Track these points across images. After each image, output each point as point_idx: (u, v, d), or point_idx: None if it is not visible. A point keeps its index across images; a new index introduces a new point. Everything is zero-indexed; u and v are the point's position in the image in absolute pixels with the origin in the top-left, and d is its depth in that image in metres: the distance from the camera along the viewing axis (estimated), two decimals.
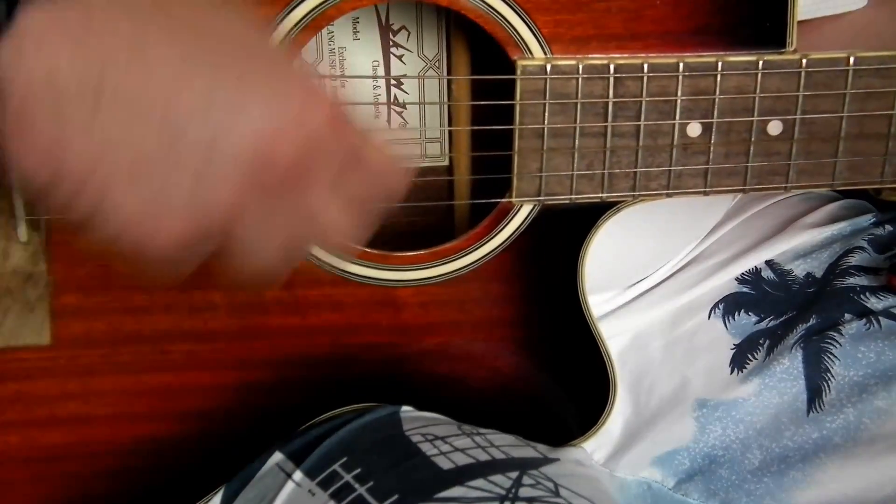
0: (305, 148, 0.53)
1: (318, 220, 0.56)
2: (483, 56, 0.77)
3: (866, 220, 0.93)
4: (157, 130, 0.50)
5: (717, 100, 0.71)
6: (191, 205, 0.52)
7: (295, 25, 0.68)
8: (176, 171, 0.51)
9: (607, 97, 0.70)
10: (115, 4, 0.51)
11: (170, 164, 0.51)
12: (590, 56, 0.70)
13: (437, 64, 0.80)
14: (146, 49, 0.50)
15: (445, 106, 0.80)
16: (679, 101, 0.71)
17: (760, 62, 0.70)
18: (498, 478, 0.69)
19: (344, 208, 0.57)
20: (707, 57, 0.71)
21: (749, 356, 0.86)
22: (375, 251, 0.74)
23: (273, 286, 0.60)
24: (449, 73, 0.80)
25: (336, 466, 0.71)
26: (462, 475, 0.69)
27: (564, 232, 0.75)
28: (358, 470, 0.70)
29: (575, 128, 0.71)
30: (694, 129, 0.72)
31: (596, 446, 0.85)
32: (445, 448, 0.72)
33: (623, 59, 0.70)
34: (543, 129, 0.71)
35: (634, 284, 0.93)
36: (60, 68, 0.49)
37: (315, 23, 0.68)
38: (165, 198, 0.51)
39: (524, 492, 0.68)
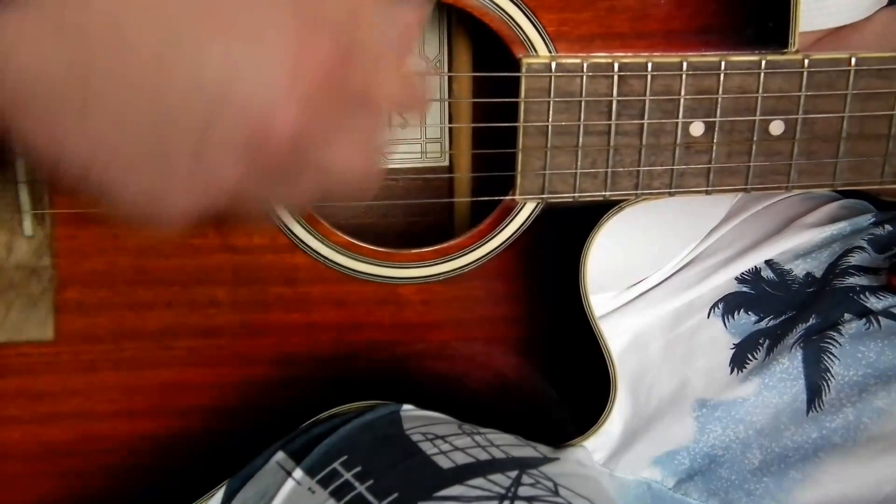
0: (305, 108, 0.51)
1: (331, 171, 0.55)
2: (484, 57, 0.77)
3: (866, 219, 0.93)
4: (150, 111, 0.49)
5: (719, 99, 0.71)
6: (194, 183, 0.51)
7: None
8: (173, 154, 0.50)
9: (611, 96, 0.70)
10: None
11: (166, 147, 0.50)
12: (594, 54, 0.71)
13: (438, 63, 0.80)
14: (123, 27, 0.49)
15: (446, 104, 0.80)
16: (682, 101, 0.71)
17: (763, 62, 0.71)
18: (497, 477, 0.69)
19: (358, 151, 0.55)
20: (710, 56, 0.71)
21: (749, 356, 0.86)
22: (379, 248, 0.74)
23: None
24: (450, 72, 0.80)
25: (336, 465, 0.71)
26: (462, 474, 0.69)
27: (566, 230, 0.75)
28: (358, 468, 0.70)
29: (579, 126, 0.71)
30: (697, 128, 0.72)
31: (596, 446, 0.85)
32: (445, 447, 0.72)
33: (627, 57, 0.70)
34: (548, 126, 0.71)
35: (635, 284, 0.93)
36: (46, 59, 0.48)
37: None
38: (168, 177, 0.51)
39: (524, 491, 0.68)
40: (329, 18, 0.51)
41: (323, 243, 0.73)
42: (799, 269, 0.91)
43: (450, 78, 0.80)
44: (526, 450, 0.76)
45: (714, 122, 0.72)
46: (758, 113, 0.72)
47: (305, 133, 0.51)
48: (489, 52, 0.73)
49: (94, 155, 0.50)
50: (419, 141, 0.82)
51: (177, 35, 0.49)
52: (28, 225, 0.70)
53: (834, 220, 0.94)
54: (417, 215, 0.83)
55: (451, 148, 0.82)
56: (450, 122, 0.81)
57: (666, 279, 0.94)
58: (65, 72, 0.48)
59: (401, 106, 0.57)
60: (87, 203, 0.53)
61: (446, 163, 0.83)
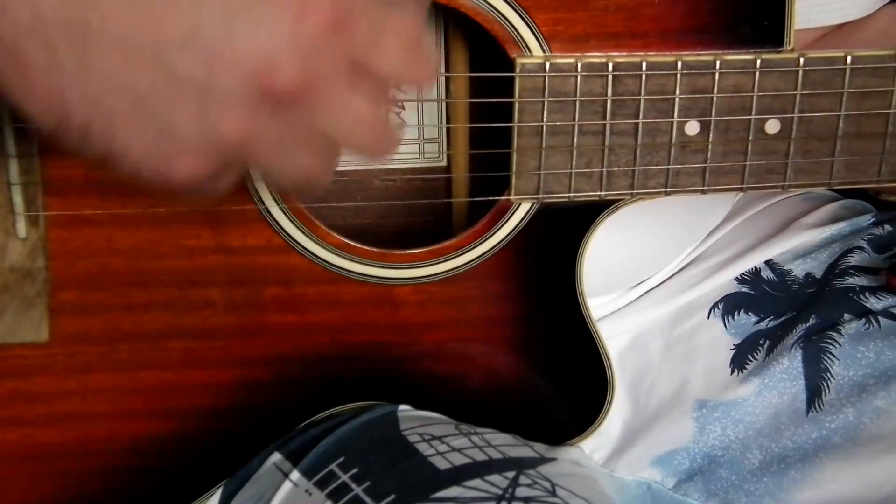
0: (306, 66, 0.50)
1: (339, 126, 0.54)
2: (481, 58, 0.77)
3: (865, 220, 0.93)
4: (150, 65, 0.49)
5: (715, 98, 0.71)
6: (199, 137, 0.50)
7: None
8: (177, 107, 0.49)
9: (606, 95, 0.70)
10: None
11: (169, 100, 0.49)
12: (589, 54, 0.70)
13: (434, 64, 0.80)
14: None
15: (443, 104, 0.80)
16: (677, 100, 0.71)
17: (758, 61, 0.71)
18: (495, 477, 0.69)
19: (365, 107, 0.54)
20: (705, 55, 0.71)
21: (749, 356, 0.86)
22: (374, 248, 0.74)
23: (322, 187, 0.57)
24: (447, 72, 0.80)
25: (333, 466, 0.71)
26: (459, 475, 0.69)
27: (562, 230, 0.75)
28: (355, 470, 0.70)
29: (574, 126, 0.71)
30: (692, 127, 0.72)
31: (595, 446, 0.85)
32: (442, 448, 0.72)
33: (622, 57, 0.70)
34: (542, 126, 0.71)
35: (636, 286, 0.93)
36: (43, 10, 0.47)
37: None
38: (172, 134, 0.50)
39: (521, 491, 0.68)
40: None
41: (318, 244, 0.73)
42: (799, 269, 0.91)
43: (447, 78, 0.80)
44: (523, 450, 0.76)
45: (709, 121, 0.72)
46: (753, 112, 0.72)
47: (309, 87, 0.51)
48: (487, 54, 0.72)
49: (96, 108, 0.49)
50: (417, 141, 0.82)
51: None
52: (22, 227, 0.70)
53: (834, 220, 0.93)
54: (416, 215, 0.83)
55: (448, 148, 0.82)
56: (447, 122, 0.81)
57: (666, 280, 0.93)
58: (62, 18, 0.47)
59: (401, 76, 0.55)
60: (90, 165, 0.51)
61: (444, 163, 0.83)
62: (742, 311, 0.89)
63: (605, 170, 0.72)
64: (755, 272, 0.91)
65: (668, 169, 0.73)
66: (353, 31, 0.52)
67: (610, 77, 0.70)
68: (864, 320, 0.83)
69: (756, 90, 0.71)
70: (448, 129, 0.81)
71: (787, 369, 0.83)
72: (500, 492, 0.68)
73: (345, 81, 0.52)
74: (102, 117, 0.49)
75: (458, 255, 0.75)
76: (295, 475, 0.72)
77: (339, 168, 0.81)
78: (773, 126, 0.72)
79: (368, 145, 0.56)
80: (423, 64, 0.56)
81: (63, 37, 0.48)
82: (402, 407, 0.77)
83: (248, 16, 0.49)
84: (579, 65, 0.70)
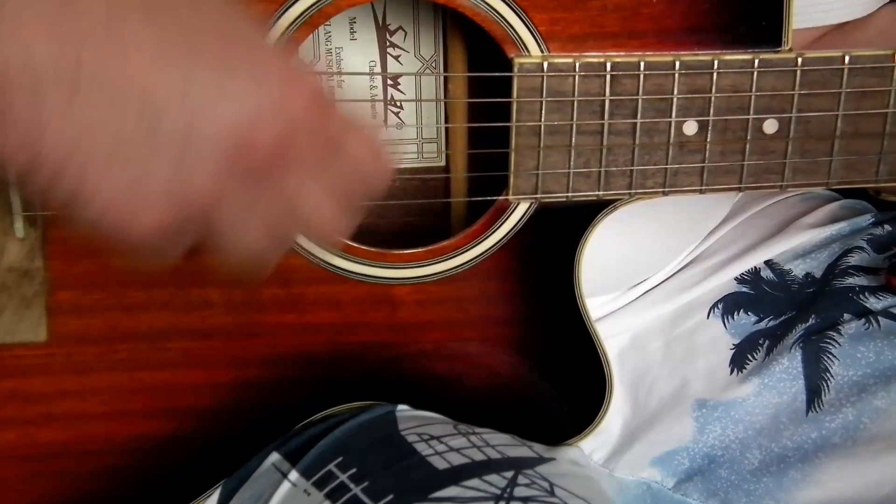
0: (285, 133, 0.52)
1: (299, 206, 0.55)
2: (480, 58, 0.77)
3: (865, 220, 0.93)
4: (134, 115, 0.49)
5: (713, 98, 0.71)
6: (169, 190, 0.51)
7: (292, 22, 0.68)
8: (154, 157, 0.50)
9: (604, 95, 0.70)
10: None
11: (147, 148, 0.50)
12: (586, 54, 0.70)
13: (433, 64, 0.80)
14: (124, 32, 0.49)
15: (442, 104, 0.80)
16: (675, 100, 0.71)
17: (756, 61, 0.70)
18: (493, 477, 0.69)
19: (326, 196, 0.56)
20: (703, 55, 0.71)
21: (749, 356, 0.86)
22: (372, 248, 0.74)
23: (263, 275, 0.59)
24: (446, 72, 0.80)
25: (331, 466, 0.71)
26: (457, 475, 0.69)
27: (561, 230, 0.75)
28: (353, 470, 0.70)
29: (572, 125, 0.71)
30: (690, 127, 0.72)
31: (595, 446, 0.85)
32: (441, 448, 0.72)
33: (620, 57, 0.70)
34: (540, 126, 0.71)
35: (636, 285, 0.93)
36: (37, 51, 0.48)
37: (312, 20, 0.68)
38: (144, 183, 0.51)
39: (519, 491, 0.68)
40: (313, 81, 0.55)
41: (316, 244, 0.73)
42: (798, 269, 0.91)
43: (445, 78, 0.80)
44: (522, 450, 0.76)
45: (707, 121, 0.72)
46: (751, 112, 0.72)
47: (283, 155, 0.53)
48: (486, 54, 0.72)
49: (73, 148, 0.49)
50: (415, 141, 0.82)
51: (172, 48, 0.50)
52: (20, 227, 0.70)
53: (833, 220, 0.93)
54: (414, 215, 0.83)
55: (447, 148, 0.82)
56: (446, 122, 0.81)
57: (666, 280, 0.93)
58: (55, 61, 0.48)
59: (365, 166, 0.58)
60: (56, 209, 0.52)
61: (443, 163, 0.83)
62: (742, 310, 0.89)
63: (603, 169, 0.72)
64: (755, 272, 0.91)
65: (666, 169, 0.73)
66: (330, 116, 0.55)
67: (608, 77, 0.70)
68: (863, 320, 0.83)
69: (754, 90, 0.71)
70: (446, 128, 0.81)
71: (787, 369, 0.83)
72: (498, 491, 0.68)
73: (315, 160, 0.55)
74: (78, 159, 0.50)
75: (457, 255, 0.75)
76: (293, 475, 0.72)
77: None
78: (771, 126, 0.72)
79: (319, 232, 0.59)
80: (385, 163, 0.59)
81: (53, 79, 0.48)
82: (401, 407, 0.77)
83: (239, 83, 0.51)
84: (577, 65, 0.70)
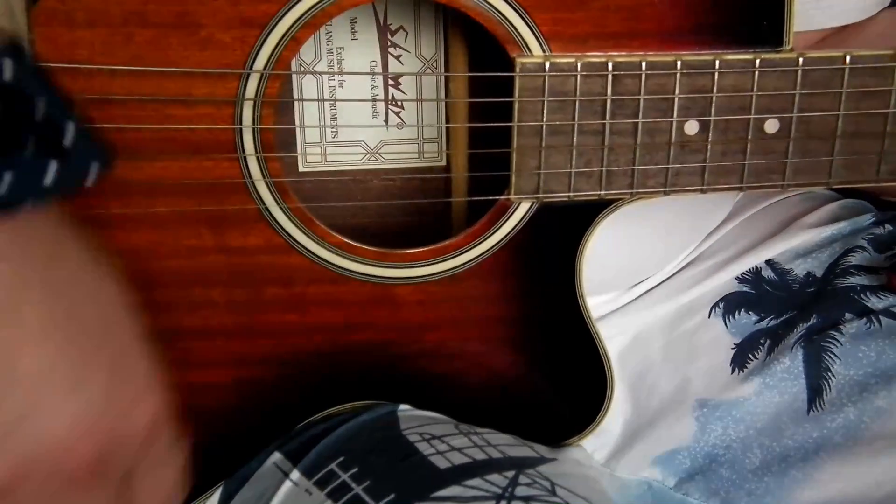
0: (94, 463, 0.54)
1: None
2: (480, 58, 0.77)
3: (866, 219, 0.93)
4: None
5: (714, 98, 0.71)
6: None
7: (295, 22, 0.68)
8: None
9: (606, 95, 0.70)
10: None
11: None
12: (588, 54, 0.70)
13: (434, 64, 0.80)
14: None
15: (443, 104, 0.80)
16: (677, 100, 0.71)
17: (757, 61, 0.70)
18: (494, 477, 0.69)
19: None
20: (705, 55, 0.70)
21: (750, 356, 0.86)
22: (373, 248, 0.74)
23: None
24: (447, 72, 0.80)
25: (333, 465, 0.71)
26: (459, 474, 0.69)
27: (562, 230, 0.75)
28: (355, 469, 0.70)
29: (573, 125, 0.71)
30: (691, 127, 0.72)
31: (596, 446, 0.85)
32: (442, 447, 0.72)
33: (621, 57, 0.70)
34: (542, 126, 0.71)
35: (637, 285, 0.93)
36: None
37: (315, 20, 0.68)
38: None
39: (520, 491, 0.68)
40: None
41: (318, 244, 0.73)
42: (799, 268, 0.91)
43: (446, 78, 0.80)
44: (523, 449, 0.76)
45: (709, 120, 0.72)
46: (752, 111, 0.72)
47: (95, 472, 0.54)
48: (486, 54, 0.72)
49: None
50: (416, 141, 0.82)
51: (32, 337, 0.52)
52: None
53: (834, 220, 0.93)
54: (415, 215, 0.83)
55: (448, 148, 0.82)
56: (447, 122, 0.81)
57: (667, 279, 0.93)
58: None
59: None
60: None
61: (443, 162, 0.83)
62: (743, 310, 0.89)
63: (604, 169, 0.72)
64: (756, 271, 0.91)
65: (667, 168, 0.73)
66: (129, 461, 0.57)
67: (610, 77, 0.70)
68: (865, 320, 0.83)
69: (755, 90, 0.71)
70: (448, 128, 0.81)
71: (789, 369, 0.83)
72: (499, 491, 0.68)
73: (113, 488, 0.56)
74: None
75: (458, 255, 0.75)
76: (295, 474, 0.72)
77: (340, 168, 0.81)
78: (772, 126, 0.72)
79: None
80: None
81: None
82: (403, 406, 0.77)
83: (72, 400, 0.53)
84: (579, 64, 0.70)
